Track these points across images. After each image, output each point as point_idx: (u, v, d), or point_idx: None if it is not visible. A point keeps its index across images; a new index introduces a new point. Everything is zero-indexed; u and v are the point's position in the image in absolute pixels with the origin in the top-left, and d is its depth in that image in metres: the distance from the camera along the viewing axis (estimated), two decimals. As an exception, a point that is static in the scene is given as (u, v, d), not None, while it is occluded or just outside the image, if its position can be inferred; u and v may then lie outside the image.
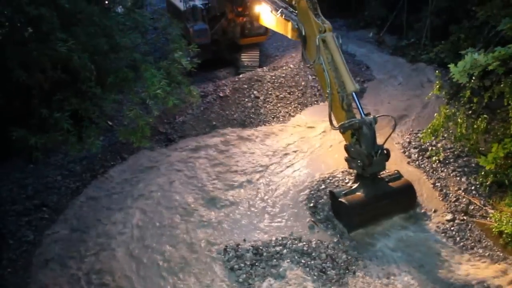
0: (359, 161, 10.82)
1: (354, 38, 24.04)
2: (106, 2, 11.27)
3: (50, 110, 8.75)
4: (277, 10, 13.21)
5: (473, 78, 12.28)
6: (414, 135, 14.73)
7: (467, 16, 16.13)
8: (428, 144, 13.89)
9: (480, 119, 12.56)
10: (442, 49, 18.85)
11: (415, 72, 19.83)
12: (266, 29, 20.81)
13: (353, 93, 11.05)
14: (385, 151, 10.94)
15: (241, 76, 18.72)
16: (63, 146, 10.70)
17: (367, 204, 10.92)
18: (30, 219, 11.71)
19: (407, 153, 13.97)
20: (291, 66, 19.32)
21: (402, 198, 11.59)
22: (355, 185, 11.39)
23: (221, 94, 17.01)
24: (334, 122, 11.25)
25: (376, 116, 11.09)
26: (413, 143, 14.28)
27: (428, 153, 13.60)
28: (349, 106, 11.10)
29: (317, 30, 11.10)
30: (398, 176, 11.76)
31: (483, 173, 11.90)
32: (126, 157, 14.24)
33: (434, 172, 13.00)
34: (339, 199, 11.05)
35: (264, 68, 19.67)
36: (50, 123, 8.83)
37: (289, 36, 12.79)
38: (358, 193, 11.08)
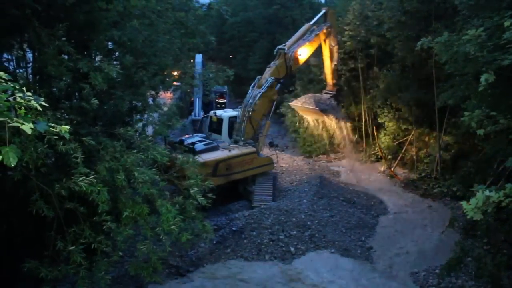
0: None
1: (366, 172, 24.56)
2: (128, 138, 11.83)
3: (65, 242, 8.79)
4: None
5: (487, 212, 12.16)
6: (432, 272, 14.16)
7: (475, 151, 16.49)
8: (447, 281, 13.26)
9: (500, 254, 12.20)
10: (453, 183, 19.01)
11: (428, 206, 19.87)
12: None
13: None
14: None
15: (254, 210, 18.70)
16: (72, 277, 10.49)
17: None
18: None
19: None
20: (305, 201, 19.50)
21: None
22: None
23: (234, 228, 16.92)
24: None
25: None
26: (431, 280, 13.65)
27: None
28: None
29: None
30: None
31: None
32: (134, 291, 13.74)
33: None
34: None
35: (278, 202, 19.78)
36: (63, 256, 8.79)
37: None
38: None
